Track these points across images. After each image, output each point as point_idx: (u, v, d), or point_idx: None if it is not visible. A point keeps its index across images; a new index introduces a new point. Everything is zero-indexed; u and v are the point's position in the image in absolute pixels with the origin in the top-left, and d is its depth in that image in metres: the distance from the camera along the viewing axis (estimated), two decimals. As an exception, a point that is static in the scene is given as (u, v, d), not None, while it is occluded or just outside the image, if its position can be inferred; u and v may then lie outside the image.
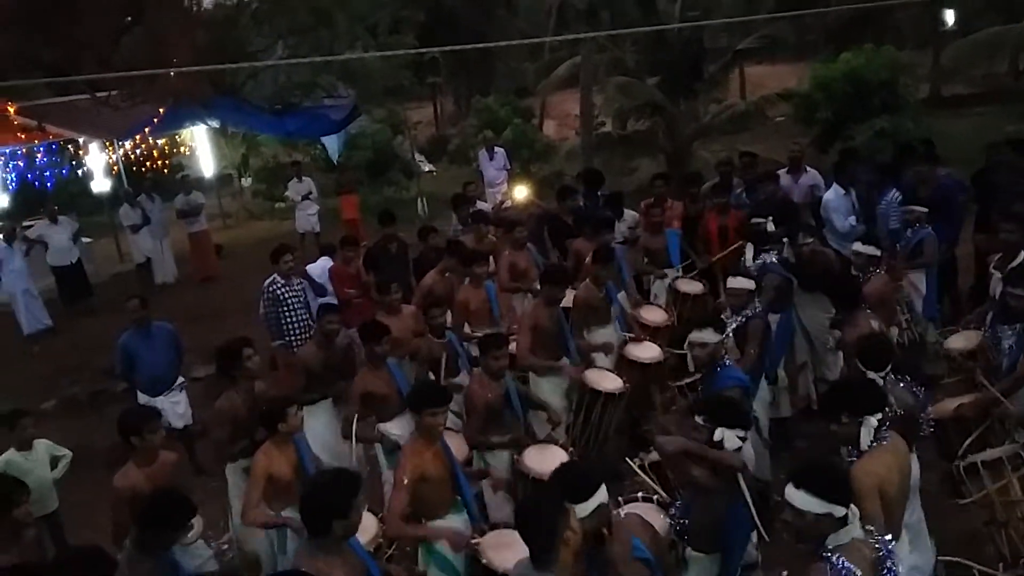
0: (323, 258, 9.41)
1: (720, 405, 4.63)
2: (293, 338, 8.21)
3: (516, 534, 4.62)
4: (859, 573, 3.27)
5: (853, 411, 4.11)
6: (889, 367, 4.89)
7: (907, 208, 7.75)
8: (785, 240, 7.70)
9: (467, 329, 7.42)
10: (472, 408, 5.78)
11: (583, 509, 3.60)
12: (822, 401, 4.42)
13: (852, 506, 3.39)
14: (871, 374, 4.83)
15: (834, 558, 3.30)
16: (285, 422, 5.20)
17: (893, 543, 3.65)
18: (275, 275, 8.30)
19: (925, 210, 7.63)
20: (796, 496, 3.40)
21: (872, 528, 3.55)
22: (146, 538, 4.17)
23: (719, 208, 8.93)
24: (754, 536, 5.00)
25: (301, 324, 8.27)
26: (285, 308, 8.20)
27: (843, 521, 3.36)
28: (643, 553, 3.71)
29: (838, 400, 4.26)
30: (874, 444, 4.09)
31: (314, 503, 3.78)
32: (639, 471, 5.32)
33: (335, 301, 8.87)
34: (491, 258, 8.48)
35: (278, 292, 8.22)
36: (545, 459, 5.48)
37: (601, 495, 3.66)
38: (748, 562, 4.95)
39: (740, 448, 4.41)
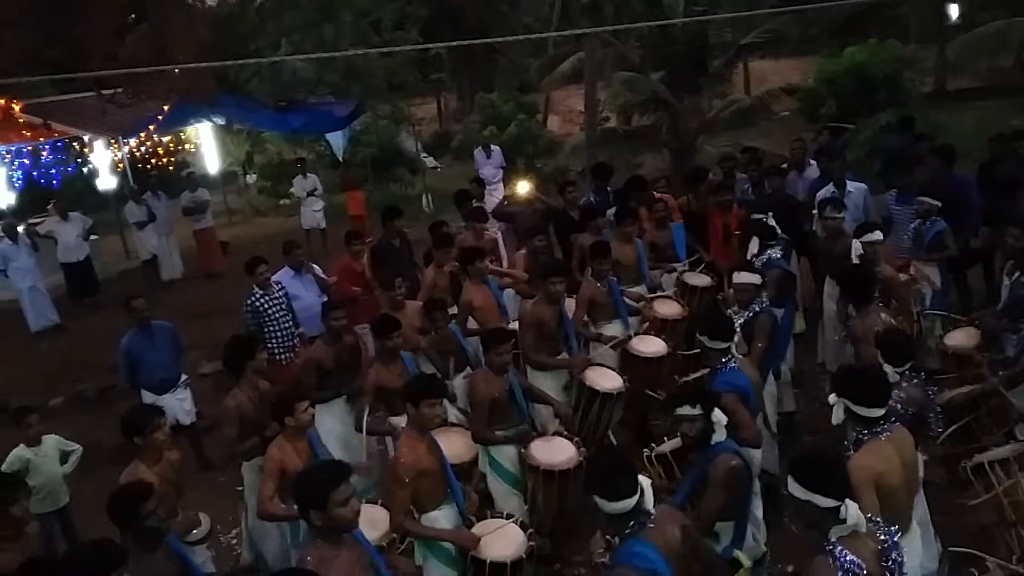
0: (284, 269, 8.80)
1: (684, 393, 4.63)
2: (277, 347, 8.02)
3: (503, 522, 4.65)
4: (862, 564, 3.29)
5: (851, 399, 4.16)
6: (909, 364, 4.94)
7: (920, 199, 7.75)
8: (814, 212, 7.86)
9: (471, 324, 7.42)
10: (476, 403, 5.79)
11: (613, 508, 3.61)
12: (833, 382, 4.44)
13: (849, 501, 3.38)
14: (888, 369, 4.87)
15: (837, 550, 3.32)
16: (292, 416, 5.22)
17: (900, 535, 3.66)
18: (253, 286, 8.08)
19: (938, 203, 7.65)
20: (792, 485, 3.47)
21: (879, 520, 3.57)
22: (134, 535, 4.22)
23: (722, 206, 8.95)
24: (761, 532, 5.05)
25: (283, 333, 8.07)
26: (266, 319, 7.98)
27: (835, 513, 3.36)
28: (650, 564, 3.55)
29: (841, 385, 4.29)
30: (866, 436, 4.11)
31: (297, 493, 3.87)
32: (647, 463, 5.34)
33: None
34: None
35: (258, 304, 7.99)
36: (552, 451, 5.55)
37: (633, 502, 3.63)
38: (755, 556, 4.98)
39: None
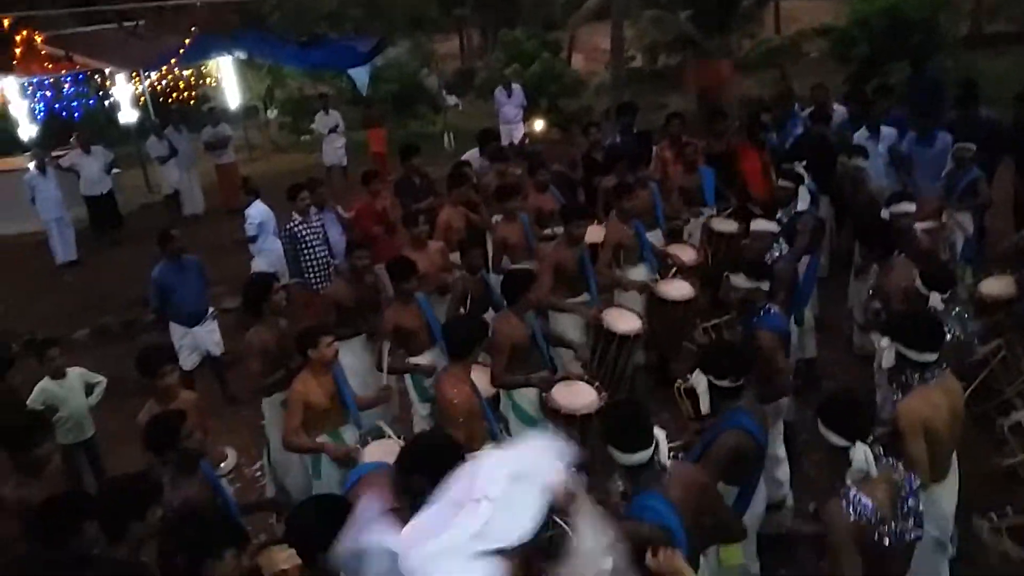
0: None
1: (713, 354, 4.49)
2: (312, 275, 8.13)
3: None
4: (876, 508, 3.37)
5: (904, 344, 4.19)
6: (949, 292, 5.04)
7: (960, 146, 7.63)
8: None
9: (506, 263, 7.40)
10: (498, 347, 5.71)
11: (628, 459, 3.56)
12: (901, 331, 4.35)
13: (858, 443, 3.46)
14: (934, 296, 4.97)
15: (851, 494, 3.40)
16: (316, 349, 5.25)
17: (939, 480, 3.94)
18: (293, 213, 8.22)
19: (974, 148, 7.53)
20: (819, 422, 3.61)
21: (900, 465, 3.63)
22: (169, 459, 4.30)
23: (760, 146, 8.91)
24: (786, 474, 5.07)
25: (319, 261, 8.20)
26: (303, 246, 8.10)
27: (846, 453, 3.47)
28: (660, 517, 3.46)
29: (895, 329, 4.33)
30: (915, 381, 4.15)
31: (298, 535, 3.54)
32: (677, 395, 5.35)
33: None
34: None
35: (295, 230, 8.12)
36: (573, 395, 5.54)
37: (648, 454, 3.55)
38: (778, 498, 5.02)
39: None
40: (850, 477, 3.45)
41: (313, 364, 5.30)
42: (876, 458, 3.54)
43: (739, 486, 4.43)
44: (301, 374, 5.34)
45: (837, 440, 3.53)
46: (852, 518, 3.36)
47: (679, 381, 5.35)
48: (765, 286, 5.35)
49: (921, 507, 3.56)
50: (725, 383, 4.28)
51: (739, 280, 5.34)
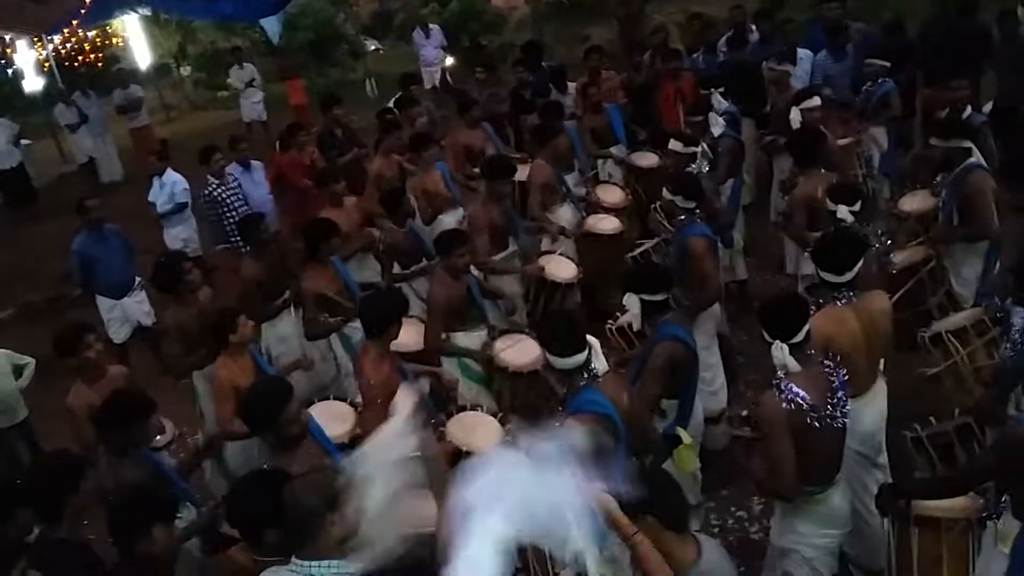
0: (233, 164, 8.67)
1: (639, 274, 4.79)
2: (238, 238, 7.94)
3: (478, 415, 4.70)
4: (806, 395, 3.59)
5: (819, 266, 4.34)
6: (859, 204, 5.21)
7: (868, 62, 7.75)
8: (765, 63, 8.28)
9: (429, 211, 7.32)
10: (434, 310, 5.62)
11: (564, 363, 3.77)
12: (813, 252, 4.56)
13: (777, 342, 3.66)
14: (841, 208, 5.17)
15: (783, 384, 3.62)
16: (235, 332, 5.18)
17: (858, 396, 4.10)
18: (208, 176, 8.03)
19: (887, 64, 7.64)
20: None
21: (828, 361, 3.79)
22: (113, 441, 4.22)
23: (672, 74, 8.83)
24: (722, 384, 5.28)
25: None
26: (225, 209, 7.97)
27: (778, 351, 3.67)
28: (603, 408, 3.73)
29: (813, 252, 4.51)
30: (821, 302, 4.30)
31: (245, 417, 3.83)
32: (609, 335, 5.46)
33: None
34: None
35: (215, 193, 7.96)
36: (519, 352, 5.51)
37: (583, 357, 3.78)
38: (717, 410, 5.17)
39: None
40: (781, 371, 3.68)
41: (232, 347, 5.20)
42: (807, 356, 3.73)
43: (678, 398, 4.64)
44: (221, 360, 5.23)
45: (767, 336, 3.74)
46: (784, 406, 3.58)
47: (609, 322, 5.48)
48: (692, 205, 5.51)
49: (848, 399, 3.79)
50: (656, 297, 4.47)
51: (679, 200, 5.51)
